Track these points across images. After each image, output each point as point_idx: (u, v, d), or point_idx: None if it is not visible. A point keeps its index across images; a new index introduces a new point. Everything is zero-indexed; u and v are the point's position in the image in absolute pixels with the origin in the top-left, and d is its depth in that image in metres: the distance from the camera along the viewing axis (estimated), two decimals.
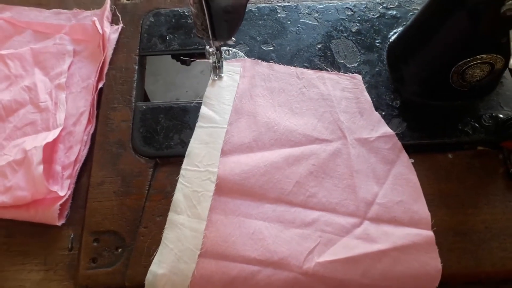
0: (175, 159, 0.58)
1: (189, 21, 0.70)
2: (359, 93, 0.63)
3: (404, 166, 0.57)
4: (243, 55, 0.67)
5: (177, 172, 0.56)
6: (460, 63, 0.55)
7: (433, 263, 0.51)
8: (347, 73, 0.64)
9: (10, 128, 0.62)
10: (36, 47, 0.68)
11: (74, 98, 0.64)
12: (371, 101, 0.62)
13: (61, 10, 0.72)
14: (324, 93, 0.62)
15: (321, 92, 0.62)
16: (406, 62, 0.63)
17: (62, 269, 0.54)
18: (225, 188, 0.54)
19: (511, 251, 0.53)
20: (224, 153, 0.57)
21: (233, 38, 0.57)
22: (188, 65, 0.75)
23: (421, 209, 0.54)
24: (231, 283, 0.50)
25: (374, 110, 0.61)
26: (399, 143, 0.58)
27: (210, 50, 0.58)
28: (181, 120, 0.62)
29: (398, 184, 0.56)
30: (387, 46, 0.67)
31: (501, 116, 0.59)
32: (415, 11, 0.69)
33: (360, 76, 0.64)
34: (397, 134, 0.59)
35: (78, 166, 0.60)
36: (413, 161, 0.58)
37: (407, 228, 0.53)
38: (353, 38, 0.68)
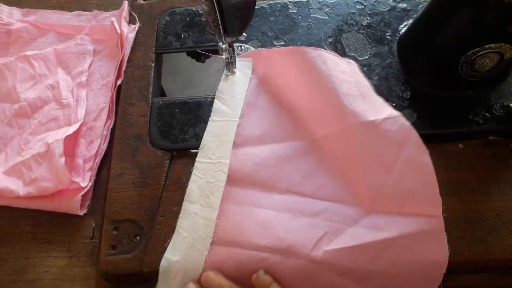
0: (190, 152, 0.60)
1: (203, 19, 0.72)
2: (359, 78, 0.59)
3: (414, 147, 0.53)
4: None
5: (192, 164, 0.58)
6: (468, 53, 0.55)
7: (441, 250, 0.51)
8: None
9: (35, 124, 0.65)
10: (59, 48, 0.71)
11: (94, 95, 0.67)
12: (371, 86, 0.58)
13: (82, 12, 0.75)
14: (325, 73, 0.59)
15: (323, 72, 0.59)
16: (416, 54, 0.64)
17: (84, 256, 0.57)
18: (236, 179, 0.56)
19: None
20: (236, 145, 0.59)
21: (244, 34, 0.58)
22: (203, 62, 0.78)
23: (432, 194, 0.52)
24: (242, 269, 0.51)
25: (376, 94, 0.57)
26: (407, 123, 0.53)
27: (223, 46, 0.60)
28: (195, 114, 0.64)
29: (408, 169, 0.53)
30: (397, 38, 0.67)
31: None
32: (425, 3, 0.69)
33: (355, 63, 0.60)
34: None
35: (98, 159, 0.63)
36: None
37: (416, 217, 0.53)
38: (364, 32, 0.69)
